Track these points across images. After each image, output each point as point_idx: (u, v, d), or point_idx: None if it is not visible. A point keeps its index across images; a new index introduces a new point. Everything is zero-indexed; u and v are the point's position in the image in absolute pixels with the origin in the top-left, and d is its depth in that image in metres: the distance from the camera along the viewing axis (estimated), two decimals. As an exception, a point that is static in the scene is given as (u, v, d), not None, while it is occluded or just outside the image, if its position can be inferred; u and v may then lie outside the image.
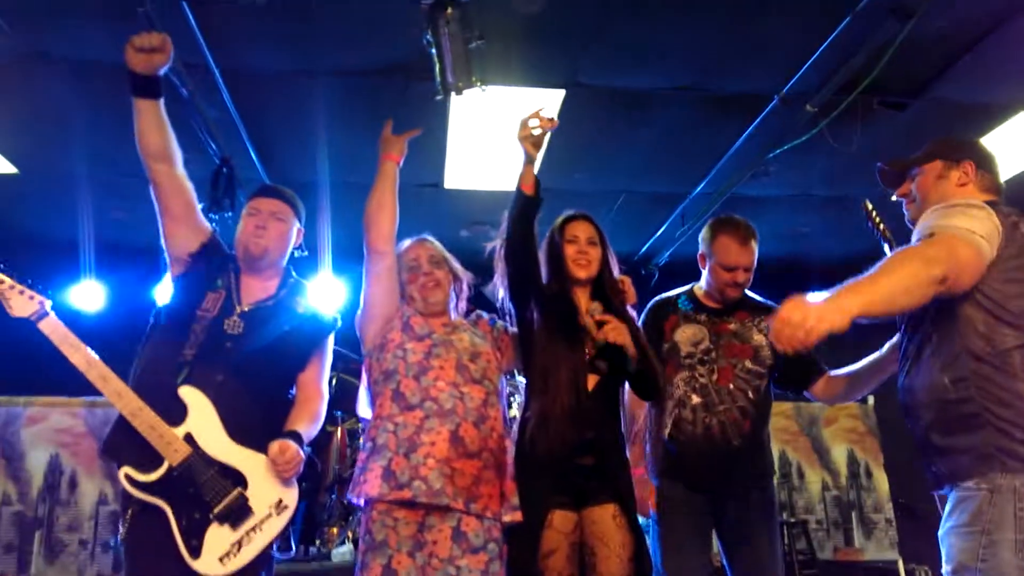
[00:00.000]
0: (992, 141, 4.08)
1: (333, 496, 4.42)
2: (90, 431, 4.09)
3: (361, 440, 2.19)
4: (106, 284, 5.13)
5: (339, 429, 4.59)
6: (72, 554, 3.91)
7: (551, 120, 2.02)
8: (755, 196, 4.57)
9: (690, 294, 2.54)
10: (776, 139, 3.90)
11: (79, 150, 4.10)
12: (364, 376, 2.28)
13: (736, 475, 2.32)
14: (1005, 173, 4.55)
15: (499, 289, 2.31)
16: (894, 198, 2.07)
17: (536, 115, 2.08)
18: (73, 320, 1.96)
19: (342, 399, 4.28)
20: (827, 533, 5.11)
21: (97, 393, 1.96)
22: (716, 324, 2.43)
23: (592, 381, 2.15)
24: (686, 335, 2.42)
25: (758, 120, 3.87)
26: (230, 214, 3.93)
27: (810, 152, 3.89)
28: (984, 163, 1.96)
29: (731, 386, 2.34)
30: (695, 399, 2.33)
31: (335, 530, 4.19)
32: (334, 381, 4.43)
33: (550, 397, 2.07)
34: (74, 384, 1.95)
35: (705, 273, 2.48)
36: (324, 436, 4.53)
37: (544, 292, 2.20)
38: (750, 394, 2.34)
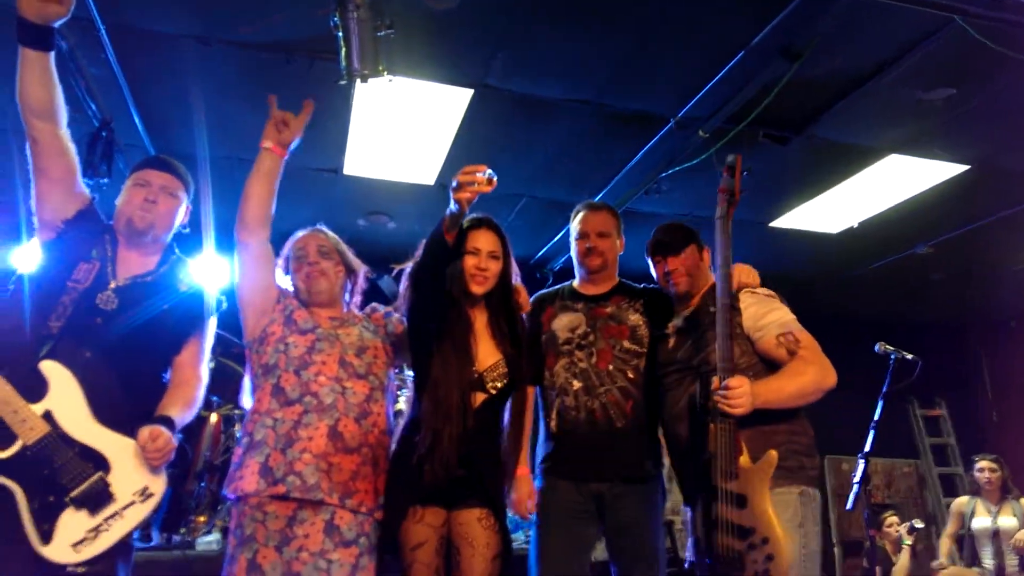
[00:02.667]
0: (862, 179, 4.44)
1: (203, 484, 4.24)
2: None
3: (238, 432, 2.12)
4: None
5: (213, 414, 4.41)
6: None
7: (491, 182, 1.93)
8: (648, 212, 4.77)
9: (568, 287, 2.64)
10: (669, 159, 4.10)
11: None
12: (247, 367, 2.23)
13: (621, 461, 2.34)
14: (871, 210, 5.00)
15: (400, 303, 2.28)
16: (669, 269, 2.40)
17: (477, 171, 1.93)
18: None
19: (220, 384, 4.11)
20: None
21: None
22: (592, 309, 2.50)
23: (479, 398, 2.15)
24: (563, 323, 2.49)
25: (654, 140, 4.03)
26: (106, 180, 3.70)
27: (700, 175, 4.10)
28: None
29: (610, 367, 2.39)
30: (576, 384, 2.39)
31: (202, 519, 4.01)
32: (212, 365, 4.25)
33: (440, 422, 2.04)
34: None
35: (574, 259, 2.61)
36: (197, 421, 4.32)
37: (441, 304, 2.16)
38: (629, 373, 2.39)
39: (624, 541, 2.35)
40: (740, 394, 1.99)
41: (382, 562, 2.13)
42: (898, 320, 6.81)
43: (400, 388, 4.84)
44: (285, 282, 2.34)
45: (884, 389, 3.31)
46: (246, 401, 2.23)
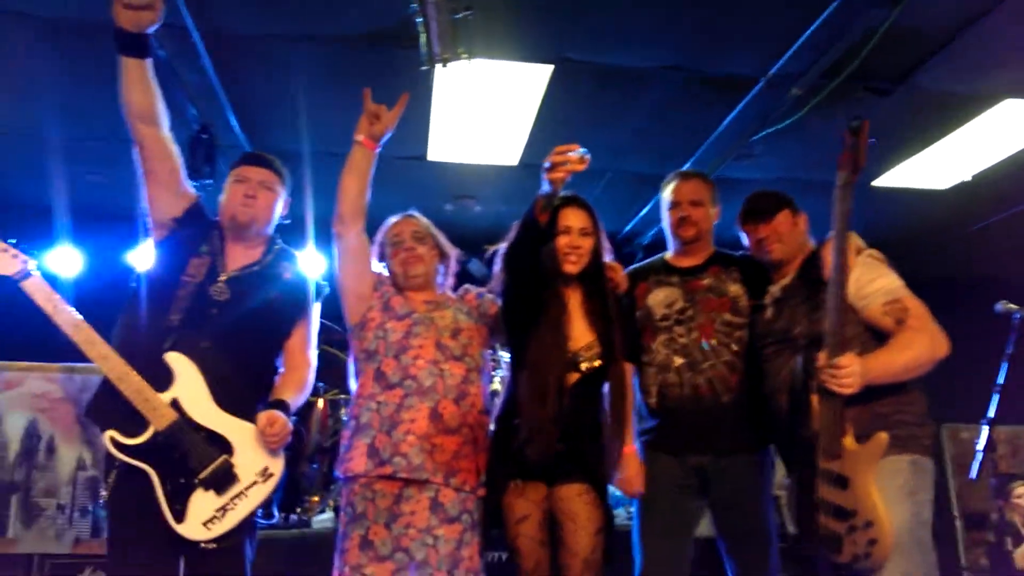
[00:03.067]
0: (972, 130, 4.14)
1: (314, 466, 4.43)
2: (67, 397, 4.04)
3: (344, 415, 2.21)
4: (83, 249, 5.04)
5: (320, 400, 4.59)
6: (50, 518, 3.88)
7: (583, 160, 1.92)
8: (739, 178, 4.61)
9: (661, 260, 2.56)
10: (761, 121, 3.93)
11: (55, 112, 4.01)
12: (350, 352, 2.31)
13: (727, 434, 2.28)
14: (985, 161, 4.65)
15: (494, 284, 2.30)
16: (761, 236, 2.29)
17: (569, 150, 1.92)
18: (51, 285, 1.93)
19: (324, 370, 4.27)
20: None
21: (74, 359, 1.95)
22: (688, 282, 2.42)
23: (574, 377, 2.16)
24: (658, 298, 2.42)
25: (744, 102, 3.88)
26: (210, 182, 3.88)
27: (794, 136, 3.92)
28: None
29: (713, 341, 2.32)
30: (677, 360, 2.32)
31: (316, 499, 4.21)
32: (317, 352, 4.42)
33: (538, 405, 2.07)
34: (51, 350, 1.94)
35: (666, 231, 2.53)
36: (306, 406, 4.53)
37: (535, 285, 2.17)
38: (733, 347, 2.32)
39: (732, 515, 2.30)
40: (850, 373, 1.90)
41: (487, 538, 2.18)
42: (1019, 278, 6.33)
43: (495, 369, 4.91)
44: (380, 268, 2.40)
45: (1008, 350, 3.09)
46: (350, 386, 2.31)
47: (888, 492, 1.93)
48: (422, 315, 2.25)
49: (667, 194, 2.52)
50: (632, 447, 2.23)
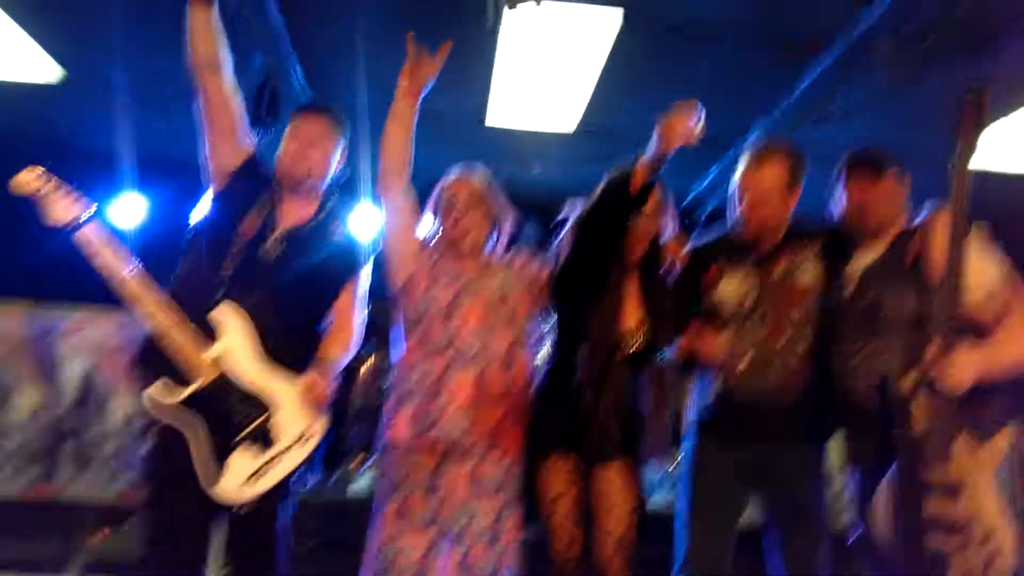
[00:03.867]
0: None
1: (355, 429, 4.44)
2: (126, 345, 4.10)
3: (389, 379, 2.15)
4: (147, 197, 5.01)
5: (364, 364, 4.58)
6: (101, 465, 3.97)
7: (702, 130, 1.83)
8: (819, 140, 4.31)
9: (733, 234, 2.28)
10: (841, 83, 3.66)
11: (124, 57, 4.00)
12: (393, 316, 2.23)
13: (786, 431, 2.15)
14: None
15: (560, 248, 2.19)
16: (864, 198, 2.08)
17: (692, 115, 1.81)
18: (115, 233, 1.91)
19: (371, 332, 4.24)
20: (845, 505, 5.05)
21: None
22: (762, 272, 2.19)
23: (619, 356, 2.12)
24: (730, 289, 2.21)
25: (825, 63, 3.61)
26: (273, 132, 3.82)
27: (874, 99, 3.65)
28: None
29: (783, 339, 2.14)
30: (745, 358, 2.16)
31: (357, 462, 4.22)
32: (365, 313, 4.39)
33: (596, 382, 2.04)
34: (110, 295, 1.91)
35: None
36: (351, 368, 4.53)
37: (604, 259, 2.10)
38: (803, 343, 2.14)
39: (785, 505, 2.16)
40: (966, 367, 1.74)
41: (528, 511, 2.13)
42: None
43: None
44: (430, 224, 2.31)
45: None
46: (395, 350, 2.24)
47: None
48: (470, 279, 2.18)
49: (737, 173, 2.23)
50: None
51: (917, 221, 2.10)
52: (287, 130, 2.15)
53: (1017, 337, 1.84)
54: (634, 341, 2.13)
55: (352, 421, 4.51)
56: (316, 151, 2.09)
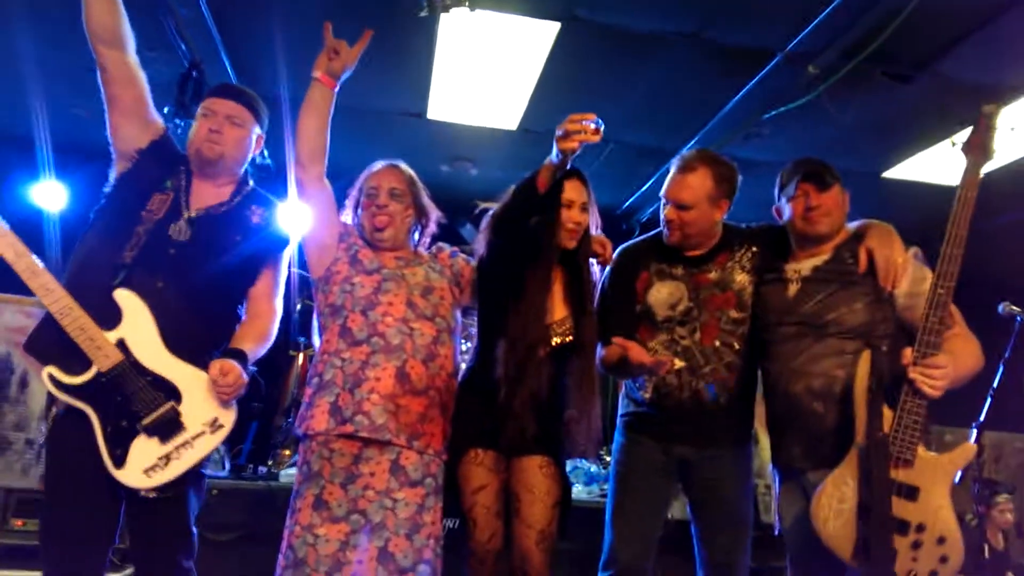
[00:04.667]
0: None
1: (290, 420, 4.37)
2: (42, 331, 3.99)
3: (309, 373, 2.12)
4: (67, 183, 4.92)
5: (301, 355, 4.52)
6: (17, 452, 3.83)
7: (598, 132, 1.83)
8: (746, 158, 4.42)
9: (661, 242, 2.29)
10: (774, 100, 3.78)
11: (36, 40, 3.86)
12: (315, 306, 2.20)
13: (716, 431, 2.20)
14: (1006, 157, 4.50)
15: (477, 246, 2.18)
16: (814, 204, 2.11)
17: (585, 119, 1.82)
18: (35, 219, 1.83)
19: (306, 326, 4.19)
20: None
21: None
22: (694, 276, 2.22)
23: (544, 350, 2.10)
24: (661, 296, 2.23)
25: (757, 77, 3.72)
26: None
27: (806, 118, 3.78)
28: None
29: (716, 343, 2.17)
30: (678, 363, 2.18)
31: (288, 452, 4.15)
32: (299, 307, 4.34)
33: (517, 377, 2.01)
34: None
35: None
36: (286, 360, 4.47)
37: (522, 254, 2.07)
38: (736, 345, 2.18)
39: (709, 502, 2.22)
40: (944, 375, 1.82)
41: (448, 504, 2.12)
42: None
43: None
44: (350, 215, 2.29)
45: (1007, 354, 2.99)
46: (315, 340, 2.21)
47: None
48: (392, 271, 2.15)
49: (666, 181, 2.26)
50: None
51: (853, 227, 2.17)
52: (199, 109, 2.08)
53: (968, 350, 1.96)
54: (559, 334, 2.13)
55: (286, 412, 4.44)
56: (230, 132, 2.03)
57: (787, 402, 2.09)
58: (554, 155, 1.86)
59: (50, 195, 4.85)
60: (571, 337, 2.13)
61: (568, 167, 2.06)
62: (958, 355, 1.92)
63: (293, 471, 3.98)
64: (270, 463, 4.09)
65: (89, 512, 1.82)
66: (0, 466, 3.83)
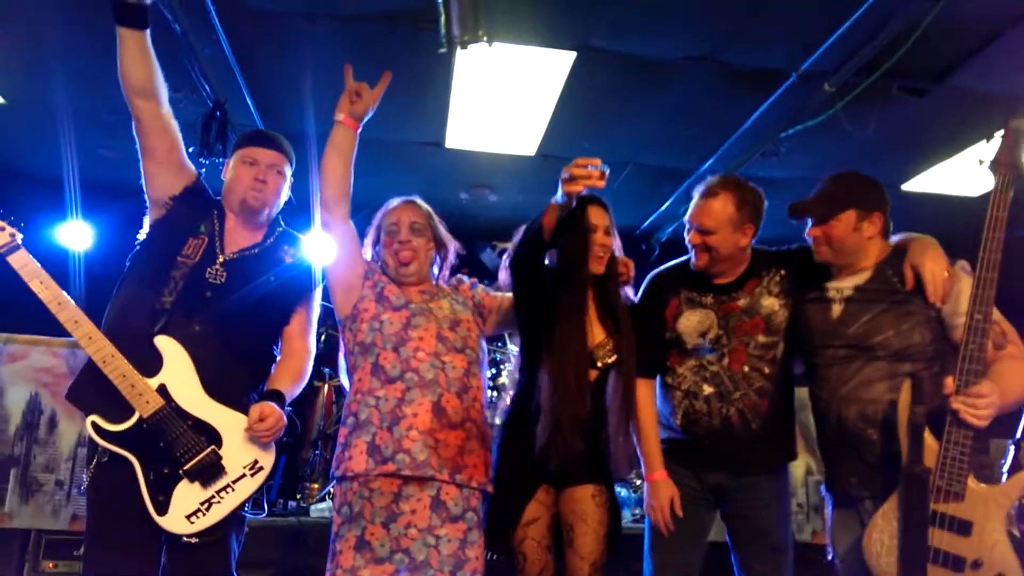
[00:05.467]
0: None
1: (316, 452, 4.38)
2: (71, 372, 4.00)
3: (342, 413, 2.12)
4: (93, 223, 5.01)
5: (326, 386, 4.53)
6: (47, 494, 3.85)
7: (603, 176, 1.85)
8: (764, 176, 4.43)
9: (691, 269, 2.29)
10: (790, 118, 3.80)
11: (67, 83, 3.95)
12: (341, 344, 2.20)
13: (752, 459, 2.17)
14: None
15: (502, 282, 2.24)
16: (809, 234, 2.10)
17: (590, 164, 1.85)
18: (61, 259, 1.87)
19: (330, 356, 4.21)
20: (807, 517, 5.11)
21: (79, 334, 1.87)
22: (724, 303, 2.21)
23: (592, 375, 2.13)
24: (691, 323, 2.22)
25: (774, 97, 3.74)
26: (222, 159, 3.81)
27: (823, 134, 3.79)
28: (886, 210, 2.09)
29: (745, 368, 2.15)
30: (707, 389, 2.16)
31: (316, 486, 4.16)
32: (323, 337, 4.37)
33: (562, 406, 2.02)
34: (56, 324, 1.87)
35: None
36: (311, 392, 4.48)
37: (547, 287, 2.10)
38: (766, 369, 2.16)
39: (747, 529, 2.19)
40: (990, 404, 1.73)
41: (492, 537, 2.11)
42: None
43: (503, 363, 4.82)
44: (371, 251, 2.31)
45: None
46: (344, 380, 2.21)
47: None
48: (419, 305, 2.16)
49: (690, 206, 2.25)
50: (662, 472, 2.15)
51: (895, 240, 2.11)
52: (236, 157, 2.12)
53: (1020, 373, 1.84)
54: (602, 356, 2.14)
55: (313, 444, 4.45)
56: (274, 182, 2.10)
57: (840, 429, 2.03)
58: (559, 196, 1.89)
59: (76, 235, 4.93)
60: (614, 357, 2.15)
61: (588, 193, 2.10)
62: (1007, 378, 1.82)
63: (323, 505, 4.00)
64: (299, 497, 4.10)
65: (134, 559, 1.83)
66: (31, 508, 3.85)
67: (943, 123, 3.92)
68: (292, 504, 3.99)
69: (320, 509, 3.92)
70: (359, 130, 2.13)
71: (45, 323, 1.97)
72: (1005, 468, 2.83)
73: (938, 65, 3.45)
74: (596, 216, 2.16)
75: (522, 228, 2.07)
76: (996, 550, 1.72)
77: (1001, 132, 1.94)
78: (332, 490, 4.05)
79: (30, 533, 3.78)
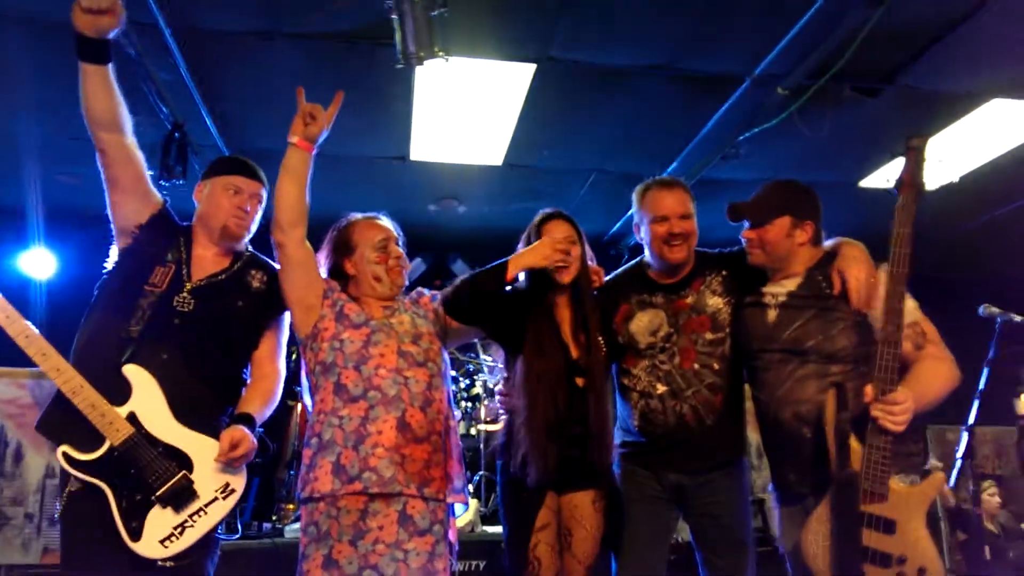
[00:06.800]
0: (959, 130, 4.11)
1: (291, 472, 4.34)
2: (37, 403, 3.94)
3: (306, 434, 2.11)
4: (56, 251, 4.95)
5: (299, 404, 4.50)
6: (17, 527, 3.78)
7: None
8: (725, 179, 4.55)
9: (641, 272, 2.37)
10: (747, 121, 3.88)
11: (25, 111, 3.90)
12: (302, 364, 2.19)
13: (709, 454, 2.23)
14: (972, 163, 4.64)
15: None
16: (743, 236, 2.19)
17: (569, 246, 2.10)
18: (23, 288, 1.85)
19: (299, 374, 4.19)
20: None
21: (45, 365, 1.86)
22: (673, 303, 2.28)
23: (581, 381, 2.16)
24: (642, 324, 2.29)
25: (730, 101, 3.83)
26: (182, 182, 3.79)
27: (780, 136, 3.87)
28: (819, 219, 2.17)
29: (696, 365, 2.22)
30: (660, 388, 2.23)
31: (291, 507, 4.12)
32: (294, 356, 4.33)
33: (541, 418, 2.07)
34: (19, 355, 1.86)
35: (646, 245, 2.34)
36: (284, 411, 4.45)
37: (515, 304, 2.17)
38: (716, 366, 2.22)
39: (707, 526, 2.24)
40: (906, 409, 1.81)
41: (512, 544, 2.15)
42: (1005, 281, 6.32)
43: (476, 372, 4.83)
44: (330, 263, 2.29)
45: (990, 355, 3.04)
46: (307, 400, 2.20)
47: None
48: (380, 321, 2.16)
49: (648, 205, 2.30)
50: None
51: (828, 245, 2.18)
52: (219, 183, 2.12)
53: (935, 376, 1.93)
54: (585, 359, 2.17)
55: (288, 465, 4.41)
56: (253, 213, 2.13)
57: (778, 429, 2.11)
58: (524, 258, 2.11)
59: (38, 263, 4.85)
60: (594, 358, 2.18)
61: (546, 212, 2.28)
62: (924, 381, 1.91)
63: (297, 526, 3.95)
64: (274, 519, 4.05)
65: None
66: (0, 541, 3.77)
67: (896, 121, 4.03)
68: (267, 526, 3.95)
69: (295, 530, 3.87)
70: (314, 152, 2.09)
71: (7, 354, 1.94)
72: (959, 455, 2.92)
73: (889, 65, 3.56)
74: (555, 230, 2.21)
75: (461, 281, 2.14)
76: (918, 546, 1.82)
77: (903, 150, 2.01)
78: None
79: (0, 568, 3.70)
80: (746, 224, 2.18)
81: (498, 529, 2.35)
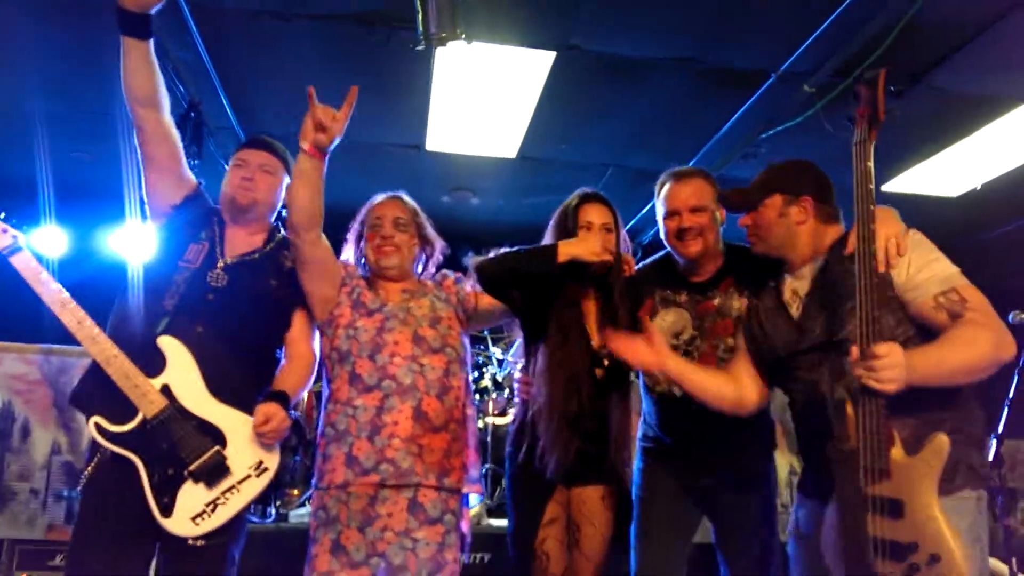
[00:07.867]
0: (990, 134, 4.08)
1: (297, 458, 4.32)
2: (45, 379, 3.89)
3: (321, 423, 2.09)
4: (68, 228, 4.92)
5: (306, 392, 4.47)
6: (22, 503, 3.73)
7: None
8: (745, 178, 4.49)
9: (669, 266, 2.27)
10: (770, 119, 3.86)
11: (40, 87, 3.85)
12: (318, 349, 2.15)
13: (730, 459, 2.17)
14: (1003, 167, 4.60)
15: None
16: (739, 225, 1.99)
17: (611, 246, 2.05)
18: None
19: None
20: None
21: (53, 340, 1.84)
22: (699, 304, 2.19)
23: (599, 373, 2.12)
24: (666, 323, 2.21)
25: (754, 98, 3.80)
26: (196, 162, 3.75)
27: (802, 135, 3.84)
28: (822, 194, 1.91)
29: (717, 366, 2.13)
30: (679, 391, 2.11)
31: (296, 492, 4.10)
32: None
33: (560, 407, 2.04)
34: (29, 330, 1.84)
35: (664, 239, 2.23)
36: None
37: (543, 287, 2.12)
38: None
39: (730, 528, 2.20)
40: (891, 364, 1.50)
41: (517, 538, 2.13)
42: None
43: (485, 364, 4.80)
44: (354, 248, 2.27)
45: (1021, 362, 3.01)
46: (323, 387, 2.17)
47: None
48: (396, 307, 2.11)
49: (661, 200, 2.22)
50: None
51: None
52: (232, 162, 2.14)
53: (964, 342, 1.59)
54: (607, 355, 2.11)
55: (293, 450, 4.38)
56: (262, 179, 2.08)
57: (818, 417, 1.90)
58: (576, 248, 2.07)
59: (51, 241, 4.82)
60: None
61: (585, 192, 2.24)
62: (950, 344, 1.60)
63: (303, 511, 3.93)
64: (279, 503, 4.03)
65: (122, 560, 1.79)
66: (5, 518, 3.73)
67: (922, 123, 4.01)
68: (272, 511, 3.92)
69: (300, 515, 3.86)
70: (326, 159, 1.98)
71: (16, 329, 1.92)
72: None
73: (916, 66, 3.54)
74: (591, 213, 2.17)
75: (509, 253, 2.10)
76: (928, 528, 1.51)
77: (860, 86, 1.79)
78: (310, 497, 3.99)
79: (3, 543, 3.66)
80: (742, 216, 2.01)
81: (504, 523, 2.31)
